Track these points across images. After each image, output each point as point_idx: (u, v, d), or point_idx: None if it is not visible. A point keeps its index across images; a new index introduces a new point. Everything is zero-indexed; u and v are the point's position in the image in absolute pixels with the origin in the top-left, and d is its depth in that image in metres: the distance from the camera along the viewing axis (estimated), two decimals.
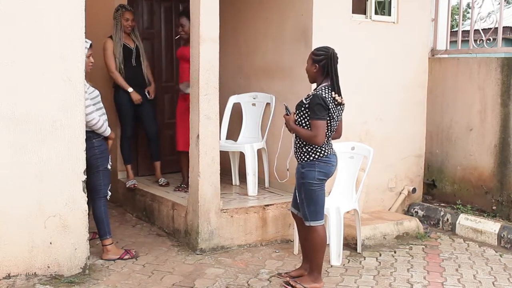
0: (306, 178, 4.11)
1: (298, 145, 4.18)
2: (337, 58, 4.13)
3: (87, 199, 4.35)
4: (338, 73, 4.10)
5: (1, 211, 4.03)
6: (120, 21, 5.92)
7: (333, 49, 4.13)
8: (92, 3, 4.74)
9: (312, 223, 4.16)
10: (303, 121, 4.10)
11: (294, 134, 4.21)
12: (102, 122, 4.59)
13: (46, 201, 4.16)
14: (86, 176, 4.31)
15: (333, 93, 4.04)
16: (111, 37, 5.97)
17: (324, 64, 4.08)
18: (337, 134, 4.34)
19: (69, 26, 4.15)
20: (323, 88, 4.07)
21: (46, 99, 4.11)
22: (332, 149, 4.18)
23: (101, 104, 4.68)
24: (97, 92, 4.66)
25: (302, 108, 4.10)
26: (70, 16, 4.15)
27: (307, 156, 4.11)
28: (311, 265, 4.25)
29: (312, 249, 4.22)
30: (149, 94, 6.10)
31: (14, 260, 4.09)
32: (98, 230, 4.76)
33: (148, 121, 6.18)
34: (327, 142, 4.13)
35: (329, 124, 4.07)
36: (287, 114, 4.23)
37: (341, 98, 4.07)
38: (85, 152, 4.30)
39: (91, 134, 4.58)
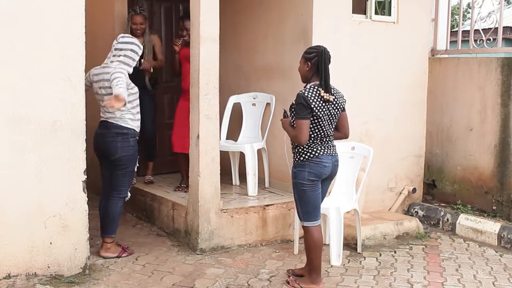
0: (297, 178, 4.10)
1: (292, 145, 4.20)
2: (329, 56, 4.10)
3: (87, 198, 4.34)
4: (328, 71, 4.05)
5: (1, 211, 4.02)
6: (129, 24, 5.97)
7: (324, 48, 4.10)
8: (92, 3, 4.74)
9: (305, 224, 4.17)
10: (292, 121, 4.12)
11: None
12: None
13: (46, 201, 4.16)
14: (86, 176, 4.31)
15: (321, 90, 4.00)
16: None
17: (315, 62, 4.05)
18: (342, 134, 4.29)
19: (69, 26, 4.15)
20: (309, 87, 4.06)
21: (46, 99, 4.11)
22: (326, 149, 4.10)
23: (138, 102, 4.76)
24: (136, 89, 4.73)
25: (292, 109, 4.11)
26: (70, 16, 4.15)
27: (298, 156, 4.11)
28: (308, 266, 4.25)
29: (307, 249, 4.22)
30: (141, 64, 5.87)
31: (14, 260, 4.09)
32: (106, 226, 4.78)
33: (146, 120, 6.17)
34: (320, 143, 4.08)
35: (316, 123, 4.03)
36: (285, 118, 4.24)
37: (329, 95, 4.00)
38: (85, 152, 4.30)
39: (130, 132, 4.63)
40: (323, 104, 4.01)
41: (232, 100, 6.15)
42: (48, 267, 4.21)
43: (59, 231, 4.22)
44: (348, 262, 4.87)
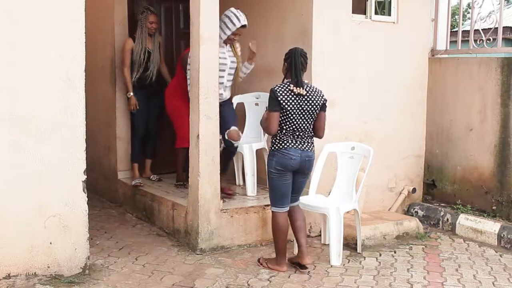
0: (268, 166, 4.52)
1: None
2: (303, 55, 4.40)
3: (87, 198, 4.34)
4: (299, 68, 4.34)
5: (1, 211, 4.02)
6: (145, 23, 5.99)
7: (298, 49, 4.43)
8: (92, 3, 4.74)
9: (272, 209, 4.59)
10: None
11: None
12: None
13: (46, 201, 4.16)
14: (86, 176, 4.31)
15: (291, 85, 4.30)
16: (132, 37, 6.04)
17: (289, 62, 4.41)
18: (316, 134, 4.52)
19: (69, 26, 4.15)
20: (282, 83, 4.40)
21: (46, 99, 4.11)
22: (297, 143, 4.39)
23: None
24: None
25: None
26: (71, 16, 4.15)
27: (271, 146, 4.51)
28: (275, 249, 4.61)
29: (272, 232, 4.60)
30: None
31: (14, 260, 4.09)
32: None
33: (152, 119, 6.22)
34: (291, 136, 4.37)
35: (286, 116, 4.34)
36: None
37: (299, 89, 4.29)
38: (85, 152, 4.29)
39: None
40: (293, 97, 4.30)
41: (236, 100, 6.13)
42: (48, 267, 4.22)
43: (59, 231, 4.22)
44: (348, 262, 4.87)
